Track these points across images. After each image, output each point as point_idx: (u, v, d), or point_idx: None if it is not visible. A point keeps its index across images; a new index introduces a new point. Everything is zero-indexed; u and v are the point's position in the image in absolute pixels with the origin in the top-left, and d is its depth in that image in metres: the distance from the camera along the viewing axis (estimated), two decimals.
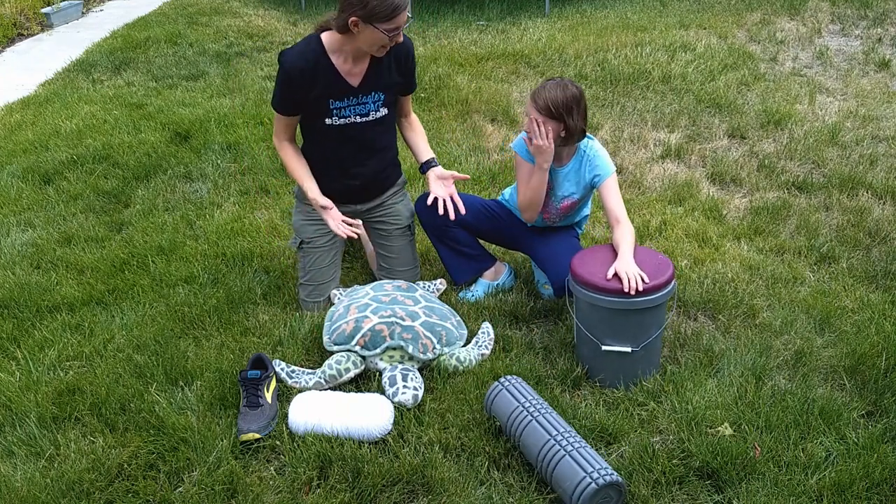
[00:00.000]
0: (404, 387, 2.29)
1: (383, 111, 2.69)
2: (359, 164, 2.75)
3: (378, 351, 2.40)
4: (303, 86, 2.55)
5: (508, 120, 4.76)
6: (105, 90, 5.67)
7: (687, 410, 2.24)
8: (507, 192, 2.96)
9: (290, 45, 2.57)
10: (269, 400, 2.27)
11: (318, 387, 2.39)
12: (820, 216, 3.49)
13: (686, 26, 6.59)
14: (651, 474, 2.04)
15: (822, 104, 4.88)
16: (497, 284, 2.93)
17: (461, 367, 2.45)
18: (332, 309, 2.61)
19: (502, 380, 2.22)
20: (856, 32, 6.45)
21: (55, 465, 2.13)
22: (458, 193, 2.76)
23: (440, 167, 2.75)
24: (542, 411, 2.09)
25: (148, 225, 3.53)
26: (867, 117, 4.58)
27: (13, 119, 5.12)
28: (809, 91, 5.08)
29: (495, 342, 2.60)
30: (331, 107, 2.60)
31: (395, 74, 2.66)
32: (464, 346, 2.53)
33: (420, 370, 2.44)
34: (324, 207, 2.65)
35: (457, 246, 2.87)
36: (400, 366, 2.38)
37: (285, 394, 2.37)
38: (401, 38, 2.51)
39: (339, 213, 2.67)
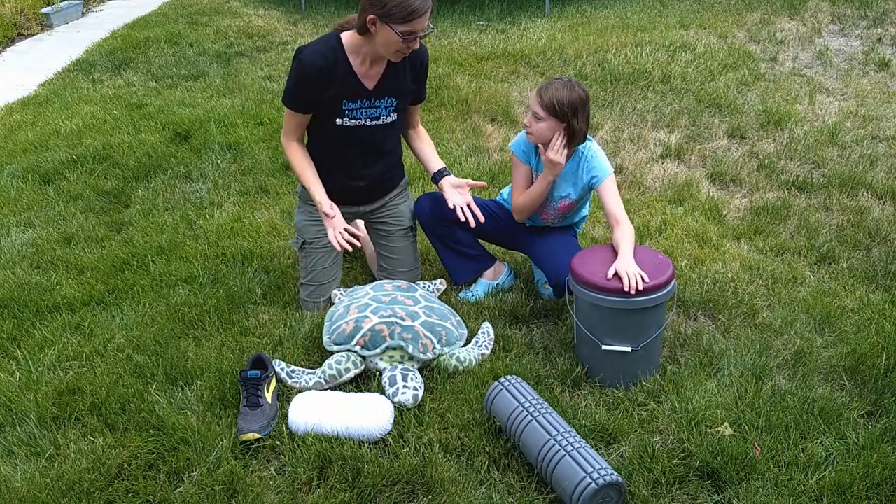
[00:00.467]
0: (404, 387, 2.29)
1: (393, 116, 2.69)
2: (366, 167, 2.75)
3: (378, 351, 2.40)
4: (320, 84, 2.54)
5: (508, 120, 4.76)
6: (105, 90, 5.67)
7: (687, 410, 2.24)
8: (506, 191, 2.96)
9: (307, 43, 2.57)
10: (269, 400, 2.27)
11: (318, 387, 2.39)
12: (820, 216, 3.49)
13: (686, 26, 6.59)
14: (651, 474, 2.04)
15: (822, 104, 4.88)
16: (497, 284, 2.93)
17: (461, 367, 2.45)
18: (332, 309, 2.61)
19: (502, 380, 2.22)
20: (856, 32, 6.45)
21: (55, 465, 2.12)
22: None
23: (453, 175, 2.76)
24: (542, 411, 2.09)
25: (148, 225, 3.53)
26: (867, 117, 4.58)
27: (13, 119, 5.11)
28: (809, 91, 5.08)
29: (495, 342, 2.60)
30: (343, 108, 2.60)
31: (409, 81, 2.67)
32: (464, 346, 2.53)
33: (420, 370, 2.43)
34: (327, 214, 2.64)
35: (457, 246, 2.87)
36: (400, 366, 2.38)
37: (285, 394, 2.37)
38: (416, 45, 2.49)
39: (342, 222, 2.64)
